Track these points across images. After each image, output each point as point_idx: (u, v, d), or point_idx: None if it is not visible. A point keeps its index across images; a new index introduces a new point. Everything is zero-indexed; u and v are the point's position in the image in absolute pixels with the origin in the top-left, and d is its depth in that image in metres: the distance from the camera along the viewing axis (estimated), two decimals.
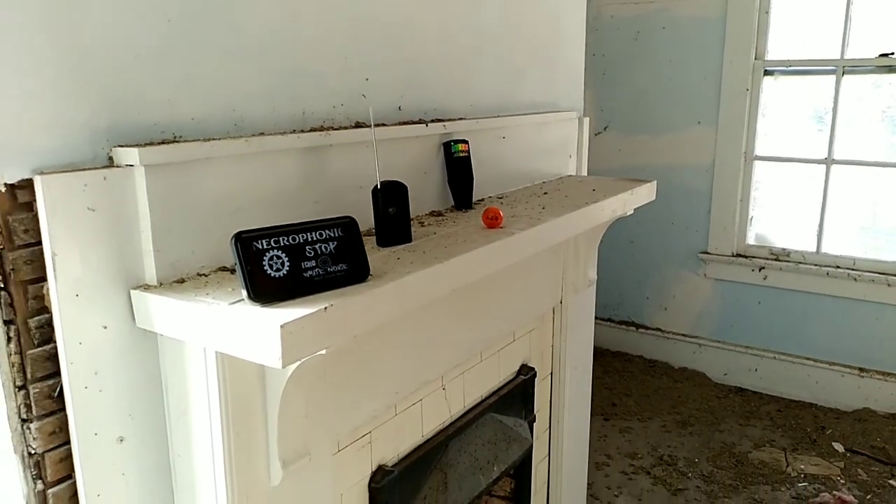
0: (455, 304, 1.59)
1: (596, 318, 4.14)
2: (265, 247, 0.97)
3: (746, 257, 3.62)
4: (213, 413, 1.06)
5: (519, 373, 1.96)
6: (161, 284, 1.07)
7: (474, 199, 1.75)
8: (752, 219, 3.68)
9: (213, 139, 1.15)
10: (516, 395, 1.93)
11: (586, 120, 2.34)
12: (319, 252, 1.02)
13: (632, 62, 3.79)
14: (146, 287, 1.06)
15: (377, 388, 1.40)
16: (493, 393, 1.85)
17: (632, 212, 2.02)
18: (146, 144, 1.07)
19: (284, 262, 0.98)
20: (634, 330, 4.05)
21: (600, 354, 4.14)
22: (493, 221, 1.44)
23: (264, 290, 0.96)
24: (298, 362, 1.02)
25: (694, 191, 3.73)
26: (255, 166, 1.21)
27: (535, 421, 2.03)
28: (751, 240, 3.69)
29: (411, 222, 1.50)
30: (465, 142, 1.64)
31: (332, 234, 1.04)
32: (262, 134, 1.25)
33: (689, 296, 3.86)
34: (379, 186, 1.26)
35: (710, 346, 3.80)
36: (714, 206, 3.68)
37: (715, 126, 3.61)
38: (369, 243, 1.32)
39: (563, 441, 2.22)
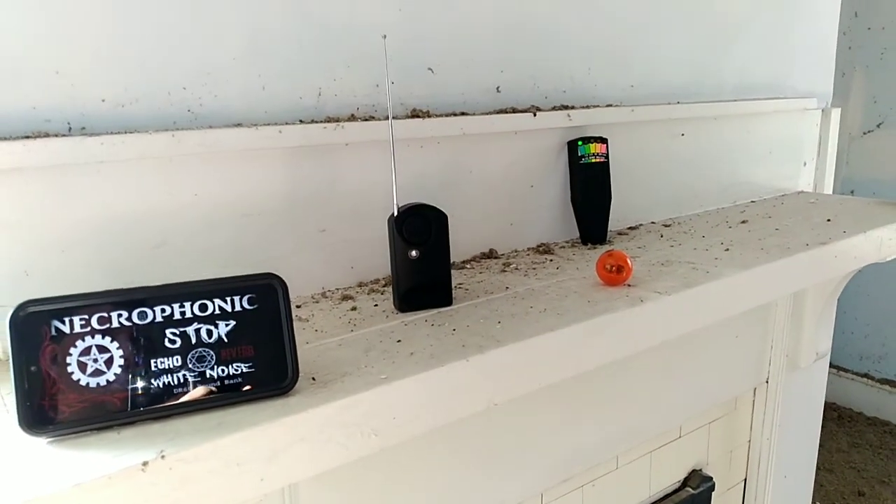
0: (563, 389, 1.03)
1: (849, 371, 3.24)
2: (77, 329, 0.53)
3: None
4: None
5: (685, 483, 1.33)
6: None
7: (618, 228, 1.17)
8: None
9: (122, 133, 0.73)
10: None
11: (835, 111, 1.60)
12: (194, 341, 0.56)
13: None
14: None
15: None
16: None
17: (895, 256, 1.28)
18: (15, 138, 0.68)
19: (113, 360, 0.53)
20: None
21: (849, 419, 3.17)
22: (614, 276, 0.86)
23: (55, 412, 0.51)
24: None
25: None
26: (199, 175, 0.77)
27: None
28: None
29: (495, 262, 0.98)
30: (603, 140, 1.07)
31: (228, 309, 0.57)
32: (238, 125, 0.82)
33: None
34: (395, 214, 0.76)
35: None
36: None
37: None
38: (387, 303, 0.82)
39: None
